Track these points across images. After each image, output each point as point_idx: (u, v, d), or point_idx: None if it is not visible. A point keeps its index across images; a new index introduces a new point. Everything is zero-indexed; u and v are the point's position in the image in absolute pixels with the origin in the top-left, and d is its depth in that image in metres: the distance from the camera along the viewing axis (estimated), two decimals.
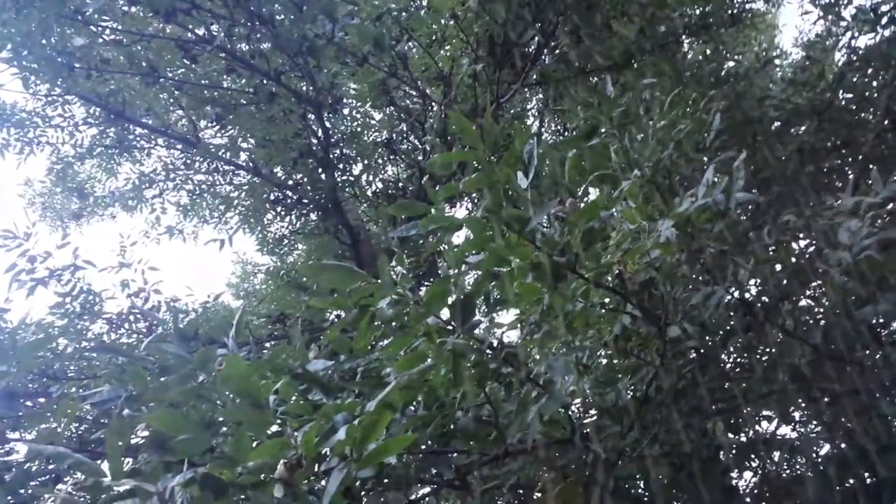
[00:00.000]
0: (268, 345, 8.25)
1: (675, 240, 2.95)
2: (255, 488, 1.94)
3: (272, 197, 10.28)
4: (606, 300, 3.86)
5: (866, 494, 4.22)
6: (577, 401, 4.32)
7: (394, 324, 2.75)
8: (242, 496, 1.93)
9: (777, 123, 6.56)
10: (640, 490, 4.86)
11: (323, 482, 1.97)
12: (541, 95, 11.16)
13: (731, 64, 8.28)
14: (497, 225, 2.56)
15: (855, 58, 6.58)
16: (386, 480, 2.89)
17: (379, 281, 2.47)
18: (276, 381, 2.54)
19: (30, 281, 7.16)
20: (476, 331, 2.61)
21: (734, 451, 4.90)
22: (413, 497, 3.09)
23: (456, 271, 2.61)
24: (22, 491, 3.99)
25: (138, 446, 3.15)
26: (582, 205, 2.93)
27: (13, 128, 9.68)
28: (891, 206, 3.65)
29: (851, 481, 4.32)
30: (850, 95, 6.56)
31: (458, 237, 3.44)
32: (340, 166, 9.93)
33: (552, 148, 3.26)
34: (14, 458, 4.39)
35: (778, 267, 4.68)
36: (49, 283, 7.46)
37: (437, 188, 2.78)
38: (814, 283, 4.86)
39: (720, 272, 4.10)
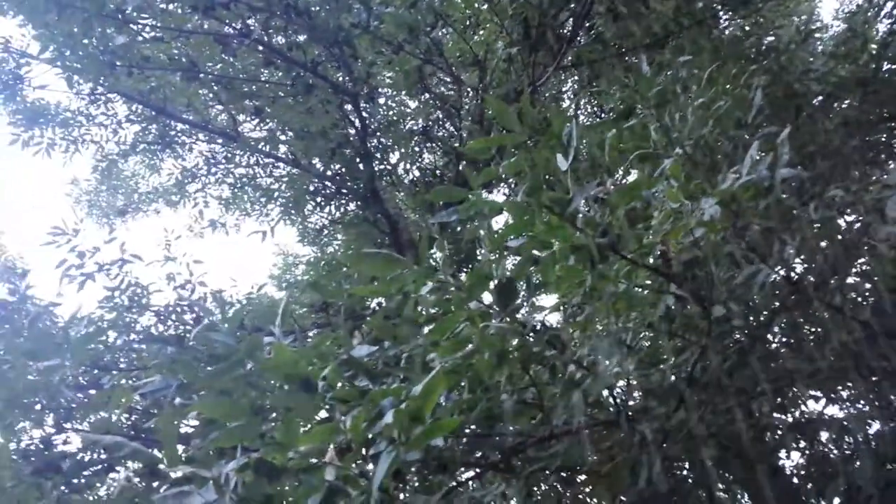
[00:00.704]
0: (312, 333, 8.35)
1: (718, 218, 2.92)
2: (306, 472, 1.98)
3: (311, 188, 10.36)
4: (650, 281, 3.83)
5: None
6: (622, 383, 4.31)
7: (437, 309, 2.77)
8: (295, 481, 1.97)
9: (820, 98, 6.41)
10: (686, 471, 4.82)
11: (371, 465, 2.01)
12: (577, 77, 11.06)
13: (771, 38, 8.10)
14: (537, 208, 2.56)
15: None
16: (433, 463, 2.92)
17: (418, 267, 2.49)
18: (323, 368, 2.58)
19: (79, 276, 7.34)
20: (518, 314, 2.61)
21: (781, 432, 4.83)
22: (459, 480, 3.11)
23: (496, 255, 2.61)
24: (76, 480, 4.12)
25: (189, 434, 3.23)
26: (622, 185, 2.91)
27: (58, 127, 9.90)
28: None
29: None
30: (894, 66, 6.38)
31: (497, 222, 3.45)
32: (378, 155, 9.97)
33: (589, 129, 3.23)
34: (69, 448, 4.53)
35: (825, 244, 4.59)
36: (97, 277, 7.64)
37: (475, 174, 2.79)
38: (862, 259, 4.76)
39: (766, 250, 4.03)
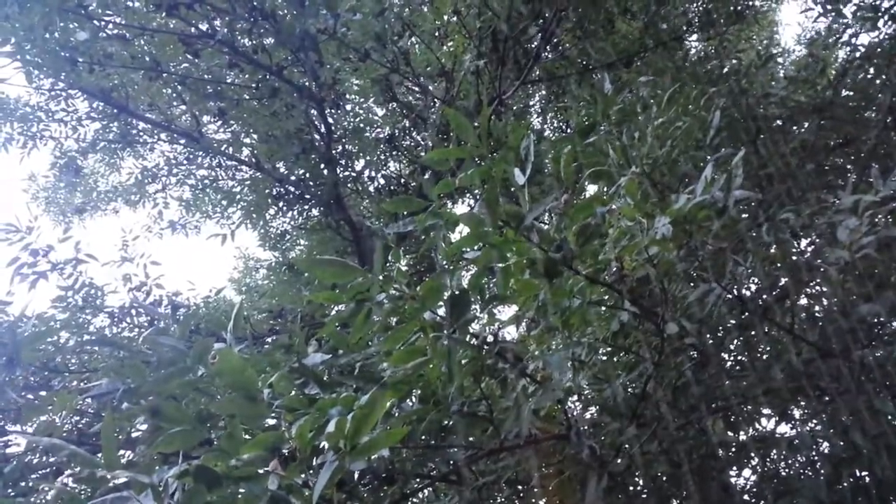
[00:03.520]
0: (269, 340, 8.27)
1: (671, 236, 2.96)
2: (249, 481, 1.95)
3: (274, 192, 10.29)
4: (605, 297, 3.87)
5: (864, 493, 4.22)
6: (577, 398, 4.33)
7: (390, 319, 2.76)
8: (237, 489, 1.94)
9: (778, 121, 6.55)
10: (637, 487, 4.86)
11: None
12: (544, 93, 11.17)
13: (733, 61, 8.27)
14: (493, 220, 2.57)
15: (857, 55, 6.57)
16: (383, 475, 2.91)
17: (373, 276, 2.49)
18: (273, 376, 2.56)
19: (32, 274, 7.18)
20: (472, 326, 2.62)
21: (733, 449, 4.90)
22: (409, 491, 3.10)
23: (451, 267, 2.62)
24: (23, 484, 4.02)
25: (137, 440, 3.17)
26: (578, 201, 2.94)
27: (16, 122, 9.71)
28: (893, 204, 3.65)
29: (852, 479, 4.32)
30: (851, 93, 6.55)
31: (459, 234, 3.45)
32: (342, 162, 9.93)
33: (556, 144, 3.26)
34: (14, 452, 4.42)
35: (777, 265, 4.68)
36: (51, 276, 7.48)
37: (434, 185, 2.79)
38: (813, 283, 4.86)
39: (719, 270, 4.10)
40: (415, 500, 4.46)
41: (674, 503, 4.82)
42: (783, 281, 4.76)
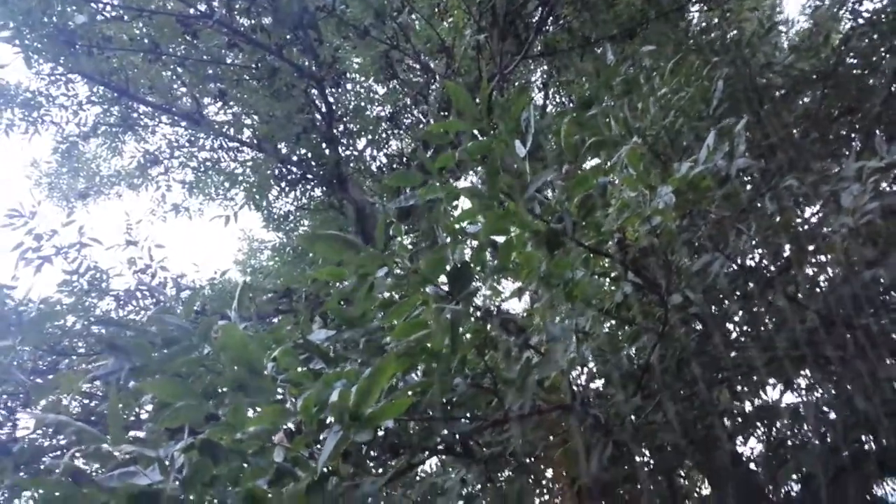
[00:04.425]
0: (275, 320, 8.29)
1: (673, 205, 2.95)
2: (254, 454, 1.97)
3: (276, 173, 10.28)
4: (608, 269, 3.86)
5: (870, 460, 4.23)
6: (582, 371, 4.34)
7: (393, 294, 2.77)
8: (242, 462, 1.95)
9: (782, 91, 6.49)
10: (643, 458, 4.88)
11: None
12: (546, 67, 11.10)
13: (735, 32, 8.19)
14: (493, 192, 2.56)
15: (861, 22, 6.50)
16: (389, 448, 2.92)
17: (375, 251, 2.48)
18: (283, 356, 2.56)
19: (36, 259, 7.21)
20: (474, 298, 2.62)
21: (739, 419, 4.91)
22: (411, 462, 3.12)
23: (452, 240, 2.61)
24: (34, 465, 4.06)
25: (144, 420, 3.19)
26: (579, 172, 2.93)
27: (17, 108, 9.70)
28: None
29: (856, 445, 4.33)
30: (855, 60, 6.48)
31: (461, 210, 3.44)
32: (344, 141, 9.91)
33: (559, 117, 3.25)
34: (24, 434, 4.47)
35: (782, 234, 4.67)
36: (55, 260, 7.51)
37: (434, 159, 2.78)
38: (817, 251, 4.84)
39: (722, 240, 4.09)
40: (423, 473, 4.50)
41: (680, 473, 4.85)
42: (787, 251, 4.74)
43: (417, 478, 4.33)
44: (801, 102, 6.56)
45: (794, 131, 6.06)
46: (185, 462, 1.81)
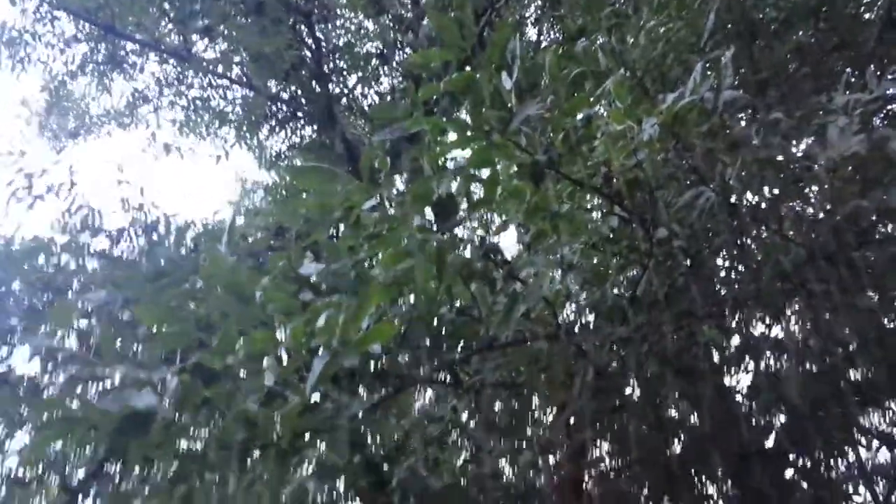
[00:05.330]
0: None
1: (658, 138, 2.96)
2: (246, 377, 2.03)
3: (266, 111, 10.19)
4: (596, 202, 3.90)
5: (852, 389, 4.35)
6: (570, 303, 4.40)
7: (380, 226, 2.80)
8: (234, 385, 2.01)
9: (774, 25, 6.42)
10: (630, 390, 4.97)
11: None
12: (539, 2, 10.91)
13: None
14: (478, 125, 2.57)
15: None
16: (377, 374, 3.00)
17: (360, 183, 2.51)
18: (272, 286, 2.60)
19: (28, 196, 7.21)
20: (460, 229, 2.66)
21: (726, 352, 4.99)
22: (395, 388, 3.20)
23: (437, 172, 2.63)
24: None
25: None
26: (566, 103, 2.93)
27: (4, 47, 9.58)
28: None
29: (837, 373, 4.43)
30: None
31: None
32: (334, 78, 9.80)
33: (549, 50, 3.24)
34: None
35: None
36: (48, 198, 7.50)
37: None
38: (805, 184, 4.86)
39: (708, 173, 4.10)
40: (417, 405, 4.60)
41: (666, 404, 4.95)
42: (776, 184, 4.76)
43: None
44: (794, 37, 6.49)
45: (787, 66, 6.02)
46: (178, 385, 1.87)
